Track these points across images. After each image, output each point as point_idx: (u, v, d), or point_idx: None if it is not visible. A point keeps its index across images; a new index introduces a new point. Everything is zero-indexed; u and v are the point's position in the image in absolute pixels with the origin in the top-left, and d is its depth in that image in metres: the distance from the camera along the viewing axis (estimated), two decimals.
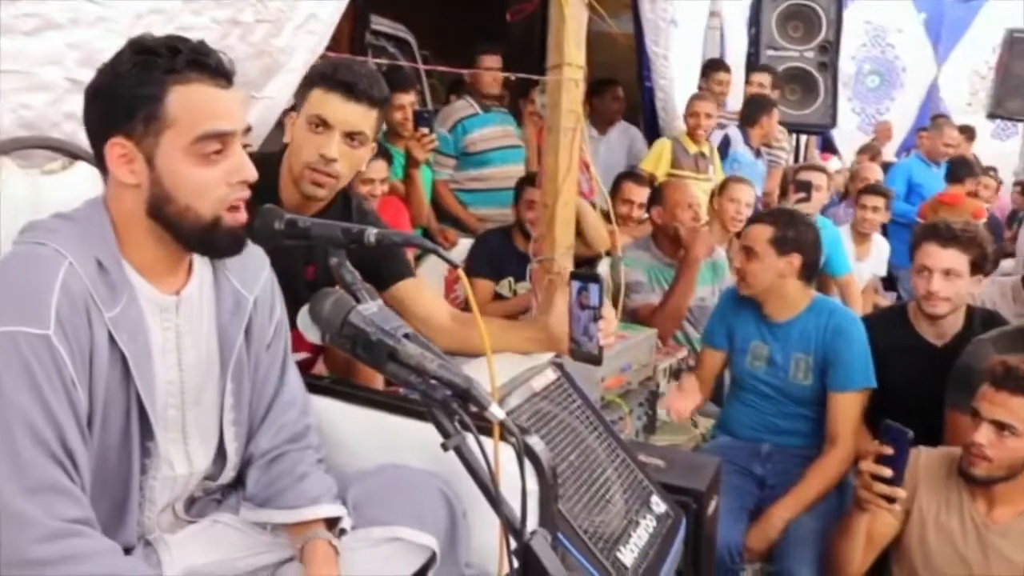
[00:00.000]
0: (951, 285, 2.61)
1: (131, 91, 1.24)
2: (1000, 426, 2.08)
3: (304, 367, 2.13)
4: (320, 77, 1.85)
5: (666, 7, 5.30)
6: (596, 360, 1.96)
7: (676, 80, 5.58)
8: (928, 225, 2.75)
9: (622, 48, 5.45)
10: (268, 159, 1.90)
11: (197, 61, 1.26)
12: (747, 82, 5.65)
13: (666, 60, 5.46)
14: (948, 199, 5.98)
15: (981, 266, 2.65)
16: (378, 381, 2.42)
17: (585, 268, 3.22)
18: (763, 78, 5.58)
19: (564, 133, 3.16)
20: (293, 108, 1.95)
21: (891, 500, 2.10)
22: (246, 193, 1.32)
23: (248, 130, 1.34)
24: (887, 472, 2.07)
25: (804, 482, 2.60)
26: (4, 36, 1.63)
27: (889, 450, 2.06)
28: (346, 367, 2.46)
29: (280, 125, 2.41)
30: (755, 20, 6.13)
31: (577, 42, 3.10)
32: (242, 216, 1.33)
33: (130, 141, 1.26)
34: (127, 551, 1.32)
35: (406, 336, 1.17)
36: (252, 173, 1.32)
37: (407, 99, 3.93)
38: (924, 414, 2.43)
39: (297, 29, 2.24)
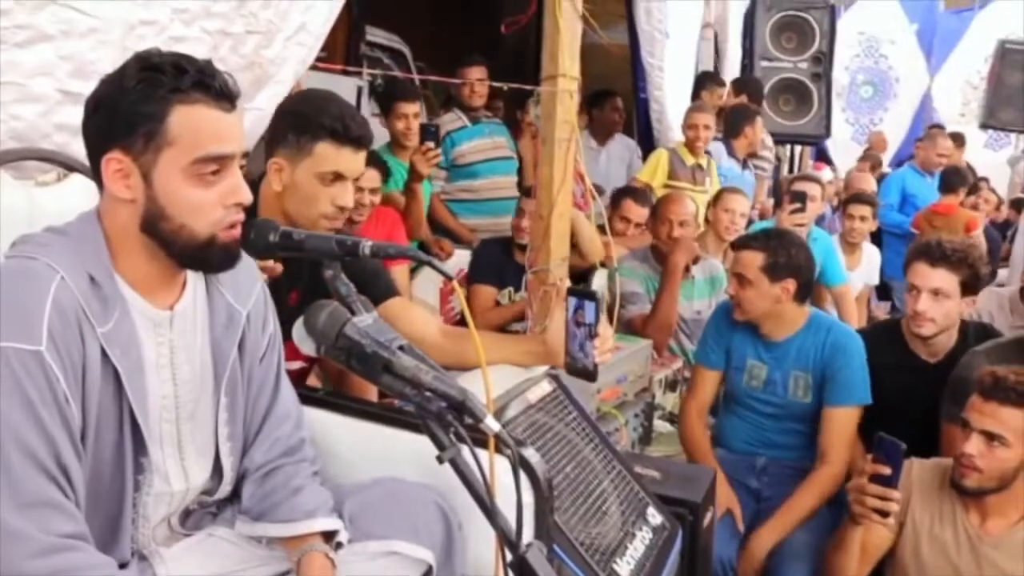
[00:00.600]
0: (939, 306, 2.59)
1: (134, 107, 1.24)
2: (990, 436, 2.08)
3: (298, 377, 2.13)
4: (326, 130, 1.80)
5: (661, 18, 5.32)
6: (591, 376, 1.96)
7: (670, 91, 5.60)
8: (920, 244, 2.73)
9: (616, 59, 5.46)
10: None
11: (202, 82, 1.26)
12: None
13: (661, 71, 5.49)
14: (942, 209, 6.00)
15: (972, 287, 2.63)
16: (372, 392, 2.42)
17: (583, 284, 3.22)
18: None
19: (559, 144, 3.17)
20: (271, 154, 1.86)
21: (885, 514, 2.09)
22: (240, 215, 1.32)
23: (246, 154, 1.35)
24: (895, 495, 2.06)
25: (794, 499, 2.57)
26: None
27: (886, 470, 2.05)
28: (339, 377, 2.45)
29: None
30: (749, 31, 6.16)
31: (571, 53, 3.11)
32: (236, 232, 1.33)
33: (128, 156, 1.25)
34: (122, 566, 1.32)
35: (401, 348, 1.17)
36: (247, 196, 1.32)
37: (411, 109, 3.93)
38: (917, 430, 2.42)
39: (287, 40, 2.23)
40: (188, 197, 1.27)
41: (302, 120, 1.82)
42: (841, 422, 2.62)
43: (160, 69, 1.24)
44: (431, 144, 3.46)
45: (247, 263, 1.49)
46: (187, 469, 1.42)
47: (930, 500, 2.24)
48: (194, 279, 1.41)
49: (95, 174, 1.30)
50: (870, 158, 8.35)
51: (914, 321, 2.64)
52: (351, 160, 1.84)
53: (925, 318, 2.60)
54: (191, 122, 1.25)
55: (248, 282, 1.49)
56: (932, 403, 2.55)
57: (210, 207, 1.28)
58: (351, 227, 3.33)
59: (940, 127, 8.44)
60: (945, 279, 2.58)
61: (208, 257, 1.32)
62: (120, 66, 1.27)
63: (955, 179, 6.14)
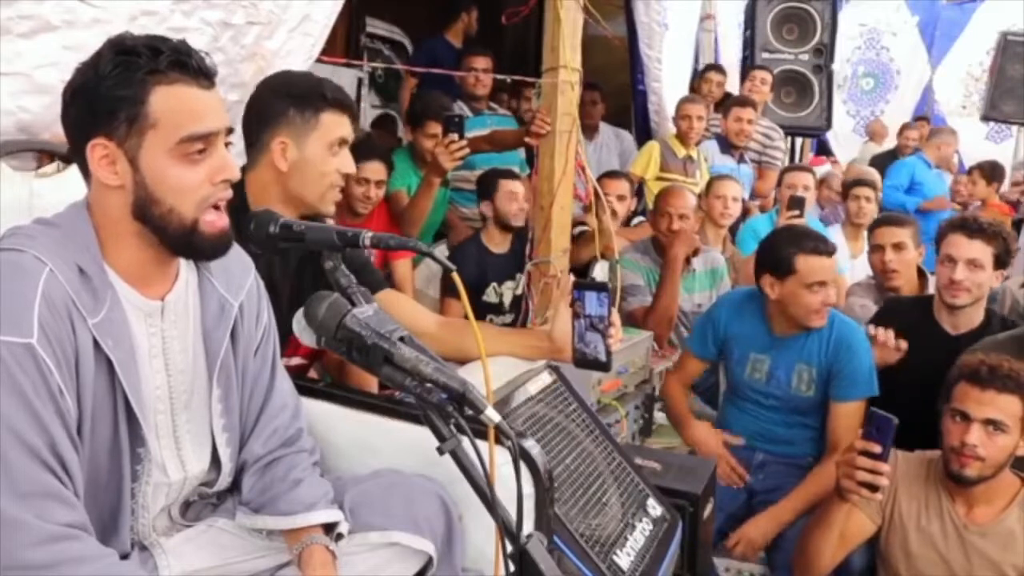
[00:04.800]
0: (974, 276, 2.66)
1: (112, 91, 1.23)
2: (991, 425, 2.11)
3: (299, 372, 2.13)
4: (323, 100, 1.85)
5: (660, 10, 5.31)
6: (604, 367, 1.96)
7: (668, 84, 5.59)
8: (956, 218, 2.83)
9: (617, 51, 5.45)
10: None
11: (179, 61, 1.25)
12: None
13: (659, 63, 5.47)
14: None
15: (1003, 261, 2.72)
16: (372, 384, 2.42)
17: (590, 277, 3.21)
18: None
19: (560, 136, 3.17)
20: (267, 137, 1.87)
21: (874, 488, 2.09)
22: (228, 193, 1.32)
23: (230, 131, 1.34)
24: (885, 468, 2.06)
25: (803, 487, 2.60)
26: (2, 39, 1.62)
27: (877, 448, 2.05)
28: (340, 370, 2.45)
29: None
30: (750, 23, 6.14)
31: (572, 45, 3.10)
32: (222, 220, 1.32)
33: (112, 142, 1.24)
34: (123, 557, 1.31)
35: (401, 339, 1.17)
36: (235, 172, 1.31)
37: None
38: (932, 399, 2.43)
39: (291, 32, 2.22)
40: (177, 178, 1.26)
41: (302, 96, 1.86)
42: (848, 415, 2.65)
43: (135, 52, 1.24)
44: (455, 136, 3.24)
45: (240, 256, 1.49)
46: (184, 460, 1.42)
47: (915, 492, 2.26)
48: (186, 270, 1.41)
49: (80, 164, 1.29)
50: (922, 126, 8.28)
51: (949, 290, 2.69)
52: (348, 126, 1.90)
53: (962, 287, 2.66)
54: (172, 102, 1.24)
55: (240, 274, 1.49)
56: (945, 372, 2.57)
57: (197, 186, 1.28)
58: (355, 219, 3.33)
59: (925, 119, 8.43)
60: (981, 250, 2.66)
61: (195, 243, 1.31)
62: (94, 53, 1.26)
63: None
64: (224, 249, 1.35)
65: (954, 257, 2.67)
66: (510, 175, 3.66)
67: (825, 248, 2.71)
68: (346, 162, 1.88)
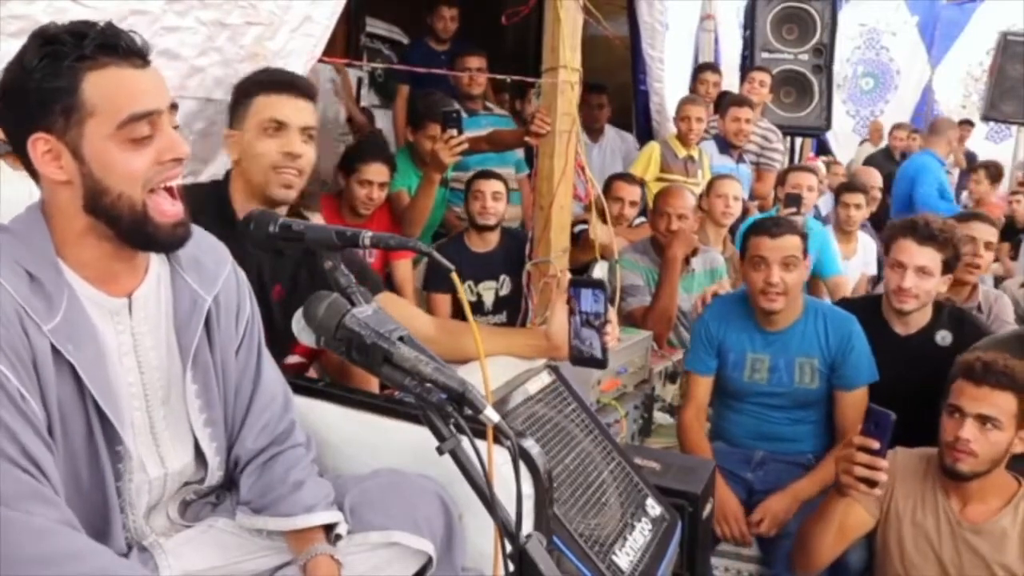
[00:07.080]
0: (922, 283, 2.68)
1: (42, 84, 1.19)
2: (984, 420, 2.13)
3: (297, 371, 2.13)
4: (256, 84, 1.90)
5: (662, 10, 5.31)
6: (600, 364, 1.96)
7: (668, 83, 5.59)
8: (906, 221, 2.79)
9: (618, 51, 5.45)
10: (214, 188, 1.93)
11: (106, 44, 1.22)
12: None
13: (661, 63, 5.48)
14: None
15: (951, 266, 2.73)
16: (373, 384, 2.42)
17: (587, 275, 3.21)
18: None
19: (559, 136, 3.17)
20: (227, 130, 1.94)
21: (872, 484, 2.09)
22: (177, 171, 1.29)
23: (174, 107, 1.31)
24: (883, 463, 2.07)
25: (821, 468, 2.64)
26: None
27: (875, 444, 2.07)
28: (340, 370, 2.45)
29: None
30: (749, 23, 6.14)
31: (572, 45, 3.10)
32: (176, 208, 1.29)
33: (52, 136, 1.21)
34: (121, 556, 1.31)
35: (401, 339, 1.17)
36: (183, 150, 1.28)
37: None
38: (886, 398, 2.45)
39: (292, 32, 2.22)
40: (124, 163, 1.23)
41: (240, 88, 1.92)
42: (856, 403, 2.69)
43: (59, 40, 1.20)
44: (454, 132, 3.20)
45: (214, 248, 1.49)
46: (163, 456, 1.40)
47: (913, 488, 2.28)
48: (157, 265, 1.39)
49: (26, 164, 1.26)
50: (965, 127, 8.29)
51: (898, 297, 2.71)
52: (287, 105, 1.89)
53: (910, 295, 2.68)
54: (105, 87, 1.21)
55: (214, 268, 1.47)
56: (899, 374, 2.63)
57: (145, 168, 1.25)
58: (357, 220, 3.33)
59: (903, 126, 8.44)
60: (931, 257, 2.67)
61: (150, 233, 1.28)
62: (20, 47, 1.23)
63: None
64: (181, 241, 1.33)
65: (904, 263, 2.68)
66: (486, 175, 3.63)
67: (766, 228, 2.74)
68: (285, 142, 1.86)
